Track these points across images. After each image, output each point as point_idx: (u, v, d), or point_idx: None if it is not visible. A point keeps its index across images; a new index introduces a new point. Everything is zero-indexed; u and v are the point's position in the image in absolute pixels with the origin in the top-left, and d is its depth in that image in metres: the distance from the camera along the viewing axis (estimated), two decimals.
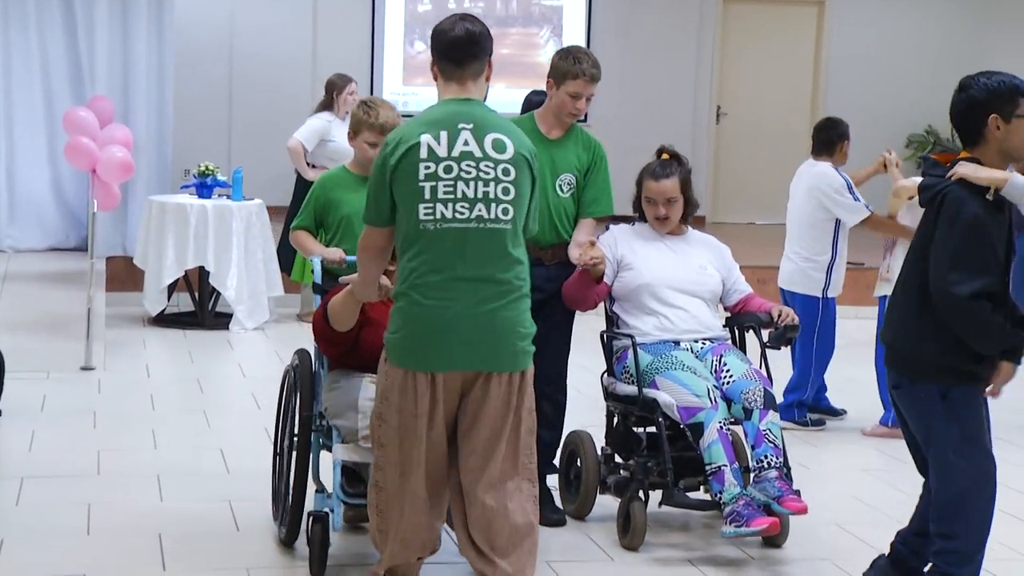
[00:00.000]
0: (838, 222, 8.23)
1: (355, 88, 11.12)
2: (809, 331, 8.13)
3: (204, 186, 10.73)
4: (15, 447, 7.18)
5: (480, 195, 4.51)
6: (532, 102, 11.38)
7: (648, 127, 15.41)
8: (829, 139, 8.35)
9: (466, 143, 4.53)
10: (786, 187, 8.59)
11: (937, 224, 4.97)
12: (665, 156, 6.29)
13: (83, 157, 9.18)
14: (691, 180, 6.27)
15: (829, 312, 8.34)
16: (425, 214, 4.49)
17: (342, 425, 5.17)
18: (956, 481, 5.03)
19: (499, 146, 4.57)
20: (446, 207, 4.49)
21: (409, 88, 15.86)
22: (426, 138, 4.52)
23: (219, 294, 10.75)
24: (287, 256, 10.62)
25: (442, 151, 4.51)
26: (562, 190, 6.00)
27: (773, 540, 5.79)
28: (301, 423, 5.40)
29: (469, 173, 4.51)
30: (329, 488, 5.35)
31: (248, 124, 15.26)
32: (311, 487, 5.49)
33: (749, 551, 5.79)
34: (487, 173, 4.52)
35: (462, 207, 4.50)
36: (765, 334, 6.12)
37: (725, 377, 5.85)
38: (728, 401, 5.77)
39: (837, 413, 8.57)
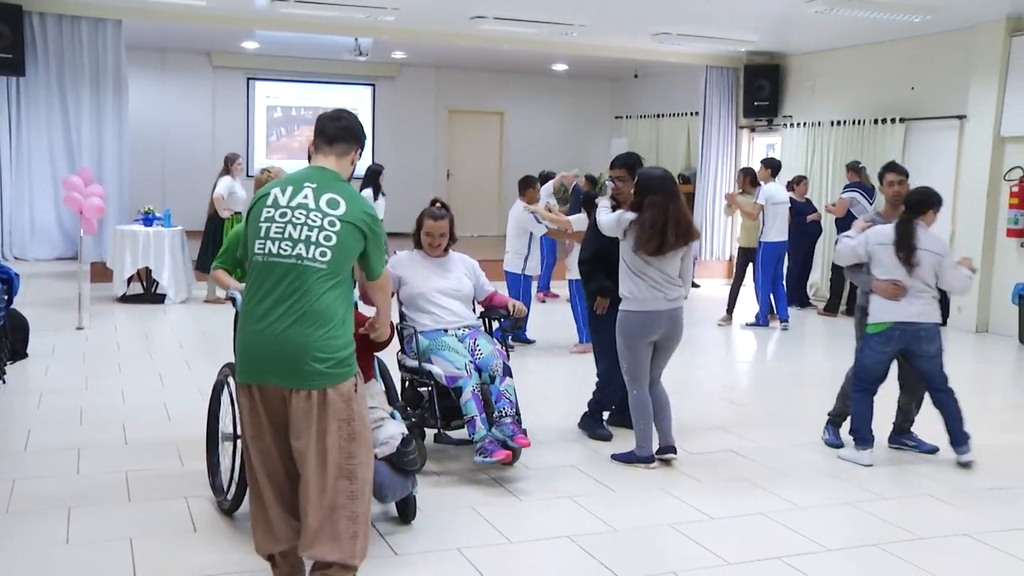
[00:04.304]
0: (530, 232, 8.36)
1: (241, 161, 10.78)
2: (515, 293, 8.12)
3: (147, 219, 10.58)
4: (37, 375, 7.15)
5: (303, 238, 3.20)
6: (373, 171, 11.06)
7: (409, 181, 15.68)
8: (524, 187, 8.60)
9: (305, 196, 3.25)
10: (505, 216, 8.63)
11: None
12: (438, 204, 5.51)
13: (74, 204, 8.88)
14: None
15: (527, 282, 8.34)
16: (258, 249, 3.25)
17: None
18: (615, 346, 5.34)
19: (333, 204, 3.25)
20: (274, 244, 3.22)
21: (270, 160, 15.49)
22: (275, 190, 3.31)
23: (157, 283, 10.60)
24: (205, 262, 10.44)
25: (283, 200, 3.27)
26: None
27: (511, 463, 5.20)
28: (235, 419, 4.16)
29: (299, 220, 3.22)
30: None
31: (174, 181, 15.01)
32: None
33: (493, 472, 5.13)
34: (314, 222, 3.21)
35: (286, 246, 3.21)
36: (506, 322, 5.55)
37: (478, 354, 5.15)
38: (480, 370, 5.12)
39: (531, 342, 8.50)
